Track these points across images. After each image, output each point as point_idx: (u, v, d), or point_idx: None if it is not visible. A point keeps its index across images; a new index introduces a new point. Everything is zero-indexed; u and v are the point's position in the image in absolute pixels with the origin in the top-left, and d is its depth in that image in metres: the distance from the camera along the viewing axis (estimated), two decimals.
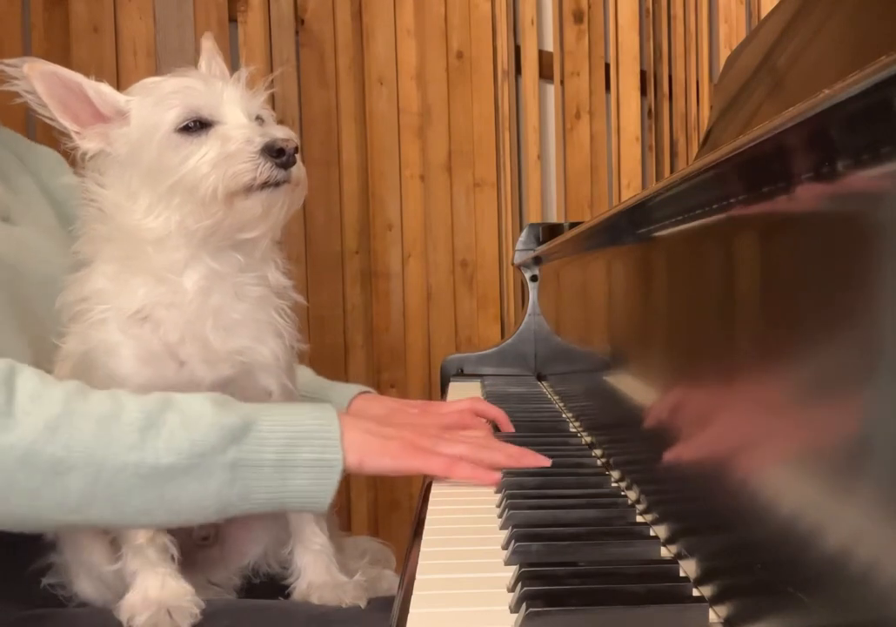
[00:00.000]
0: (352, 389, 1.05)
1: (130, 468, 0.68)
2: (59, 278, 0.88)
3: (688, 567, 0.58)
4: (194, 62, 0.90)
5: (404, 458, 0.78)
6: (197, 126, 0.79)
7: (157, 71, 1.82)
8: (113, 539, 0.83)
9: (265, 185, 0.78)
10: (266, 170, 0.77)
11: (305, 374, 1.05)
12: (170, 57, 1.88)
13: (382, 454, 0.77)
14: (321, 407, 0.79)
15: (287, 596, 0.86)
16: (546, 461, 0.83)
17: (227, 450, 0.71)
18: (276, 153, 0.78)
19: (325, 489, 0.74)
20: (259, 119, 0.83)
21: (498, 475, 0.79)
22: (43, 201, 0.99)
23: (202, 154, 0.78)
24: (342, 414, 0.78)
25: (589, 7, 2.06)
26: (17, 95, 0.80)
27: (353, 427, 0.77)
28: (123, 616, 0.77)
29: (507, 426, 1.00)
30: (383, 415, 0.98)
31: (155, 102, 0.81)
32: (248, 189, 0.78)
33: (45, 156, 1.06)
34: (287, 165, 0.78)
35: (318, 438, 0.74)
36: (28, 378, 0.69)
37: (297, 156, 0.80)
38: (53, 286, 0.86)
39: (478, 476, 0.79)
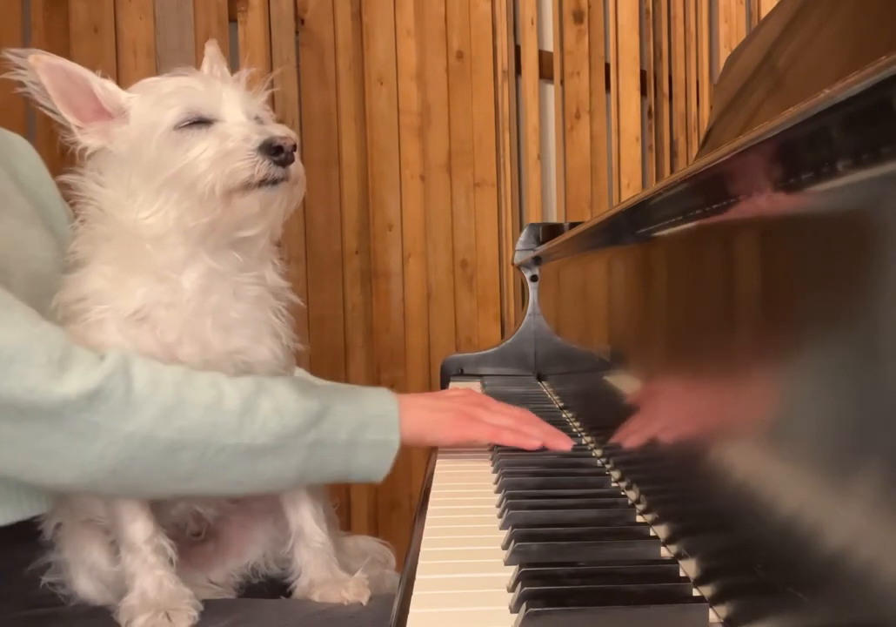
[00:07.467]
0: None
1: (230, 448, 0.76)
2: (48, 275, 0.87)
3: (688, 567, 0.58)
4: (194, 62, 0.89)
5: (457, 429, 0.89)
6: (196, 124, 0.79)
7: (157, 71, 1.83)
8: (112, 540, 0.83)
9: (263, 182, 0.78)
10: (264, 167, 0.77)
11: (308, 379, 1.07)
12: (170, 57, 1.88)
13: (438, 428, 0.87)
14: (381, 391, 0.88)
15: (288, 595, 0.86)
16: (567, 446, 0.92)
17: (309, 432, 0.79)
18: (273, 151, 0.77)
19: (384, 466, 0.83)
20: (258, 119, 0.82)
21: (539, 443, 0.90)
22: (17, 192, 0.97)
23: (201, 150, 0.77)
24: (400, 396, 0.88)
25: (589, 7, 2.06)
26: (17, 84, 0.79)
27: (411, 406, 0.86)
28: (122, 619, 0.78)
29: None
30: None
31: (155, 101, 0.80)
32: (246, 187, 0.78)
33: (12, 141, 1.04)
34: (285, 162, 0.78)
35: (381, 421, 0.83)
36: (142, 366, 0.74)
37: (296, 153, 0.79)
38: (42, 284, 0.85)
39: (521, 443, 0.89)
